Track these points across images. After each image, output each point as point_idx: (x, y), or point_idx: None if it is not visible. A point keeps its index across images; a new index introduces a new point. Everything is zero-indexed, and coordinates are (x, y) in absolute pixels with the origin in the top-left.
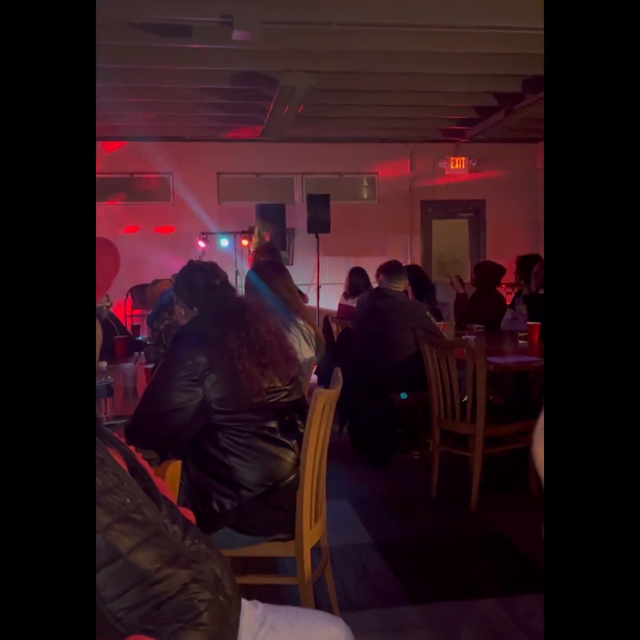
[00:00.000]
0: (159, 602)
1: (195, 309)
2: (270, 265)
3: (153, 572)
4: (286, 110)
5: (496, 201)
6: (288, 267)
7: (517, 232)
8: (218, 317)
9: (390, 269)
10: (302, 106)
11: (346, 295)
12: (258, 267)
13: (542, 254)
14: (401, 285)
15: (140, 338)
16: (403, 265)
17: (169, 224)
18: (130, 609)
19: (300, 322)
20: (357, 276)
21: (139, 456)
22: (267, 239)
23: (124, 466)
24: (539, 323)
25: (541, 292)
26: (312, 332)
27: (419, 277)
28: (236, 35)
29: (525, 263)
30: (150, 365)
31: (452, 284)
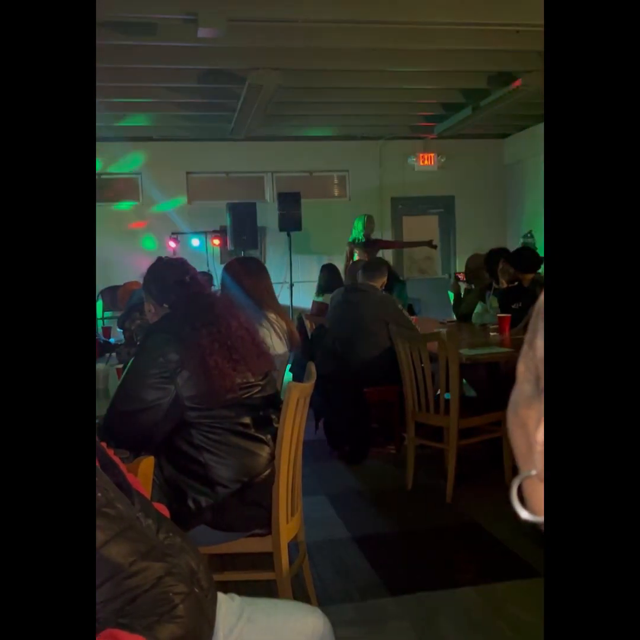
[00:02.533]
0: (133, 596)
1: (165, 305)
2: (241, 263)
3: (127, 566)
4: (254, 108)
5: (465, 197)
6: None
7: (486, 227)
8: (188, 314)
9: (367, 265)
10: (270, 104)
11: (319, 291)
12: (229, 266)
13: (509, 248)
14: (377, 282)
15: (112, 340)
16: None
17: (138, 225)
18: (104, 603)
19: (272, 316)
20: (328, 272)
21: (110, 451)
22: (370, 232)
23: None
24: (509, 315)
25: (511, 285)
26: (284, 326)
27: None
28: (201, 32)
29: (491, 258)
30: (121, 365)
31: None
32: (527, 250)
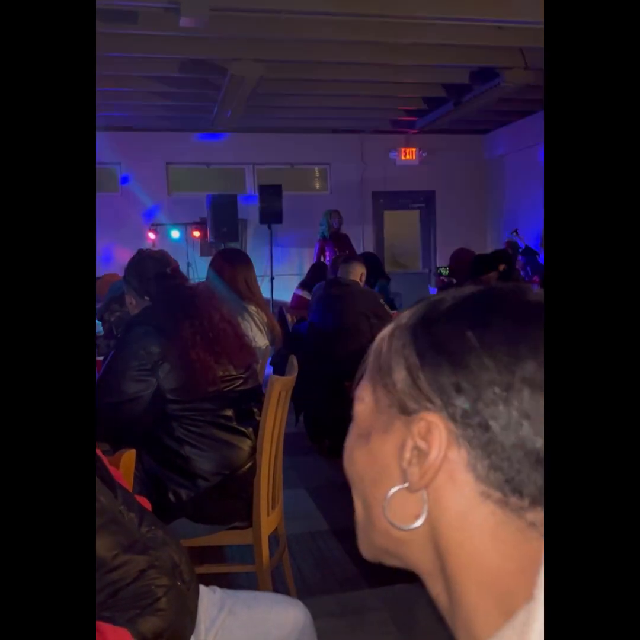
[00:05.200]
0: (115, 589)
1: (147, 298)
2: (222, 254)
3: (109, 560)
4: (236, 99)
5: (446, 192)
6: None
7: (466, 222)
8: (170, 306)
9: (345, 259)
10: (251, 96)
11: (302, 285)
12: (212, 259)
13: (489, 243)
14: (356, 274)
15: None
16: (358, 254)
17: (117, 216)
18: None
19: (252, 308)
20: (316, 272)
21: None
22: (335, 226)
23: None
24: None
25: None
26: (264, 318)
27: (372, 266)
28: (183, 22)
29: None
30: (101, 358)
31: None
32: (476, 257)
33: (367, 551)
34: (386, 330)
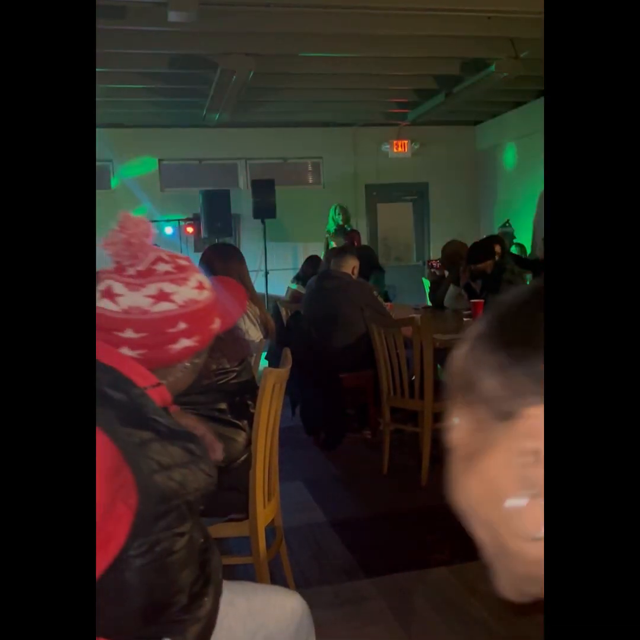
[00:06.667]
0: (170, 615)
1: None
2: (212, 249)
3: (182, 593)
4: (227, 94)
5: (439, 184)
6: None
7: (459, 213)
8: None
9: (337, 252)
10: (243, 90)
11: (296, 279)
12: (203, 254)
13: (483, 234)
14: (348, 266)
15: None
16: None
17: (110, 213)
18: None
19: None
20: (308, 264)
21: None
22: (342, 222)
23: None
24: (482, 300)
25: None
26: (257, 312)
27: (367, 259)
28: (172, 16)
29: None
30: None
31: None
32: (472, 246)
33: (510, 588)
34: (461, 350)
